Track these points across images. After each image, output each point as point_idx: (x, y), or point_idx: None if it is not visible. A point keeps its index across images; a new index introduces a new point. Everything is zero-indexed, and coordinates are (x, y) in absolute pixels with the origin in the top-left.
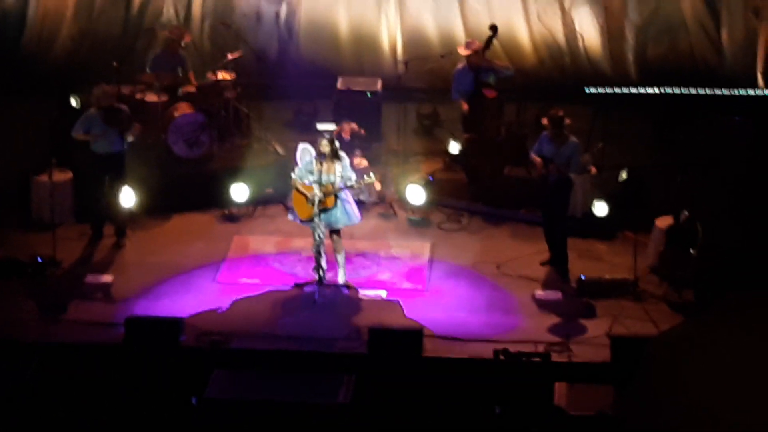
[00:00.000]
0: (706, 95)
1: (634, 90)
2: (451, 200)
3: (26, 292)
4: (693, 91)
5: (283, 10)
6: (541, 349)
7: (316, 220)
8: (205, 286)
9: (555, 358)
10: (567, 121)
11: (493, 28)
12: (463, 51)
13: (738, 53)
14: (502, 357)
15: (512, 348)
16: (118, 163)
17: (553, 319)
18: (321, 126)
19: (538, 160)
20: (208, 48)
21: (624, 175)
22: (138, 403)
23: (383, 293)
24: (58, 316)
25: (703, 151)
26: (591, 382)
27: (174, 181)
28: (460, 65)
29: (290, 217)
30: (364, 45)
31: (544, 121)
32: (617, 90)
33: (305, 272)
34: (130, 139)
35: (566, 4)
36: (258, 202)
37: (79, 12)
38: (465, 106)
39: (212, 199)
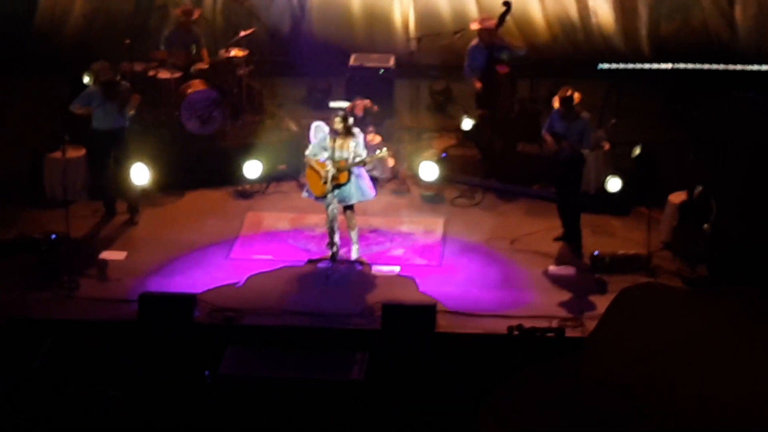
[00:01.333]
0: (719, 71)
1: (647, 66)
2: (465, 176)
3: (40, 270)
4: (706, 66)
5: None
6: (554, 324)
7: (330, 196)
8: (219, 262)
9: (569, 333)
10: (577, 97)
11: (507, 5)
12: (474, 25)
13: (751, 29)
14: (515, 333)
15: (526, 324)
16: (121, 138)
17: (567, 295)
18: (334, 104)
19: (549, 138)
20: (220, 25)
21: (637, 150)
22: (152, 379)
23: (397, 269)
24: (71, 293)
25: (716, 127)
26: None
27: (187, 158)
28: (473, 42)
29: (304, 194)
30: (377, 22)
31: (555, 102)
32: (630, 66)
33: (318, 248)
34: (131, 112)
35: None
36: (271, 178)
37: None
38: (478, 84)
39: (225, 175)
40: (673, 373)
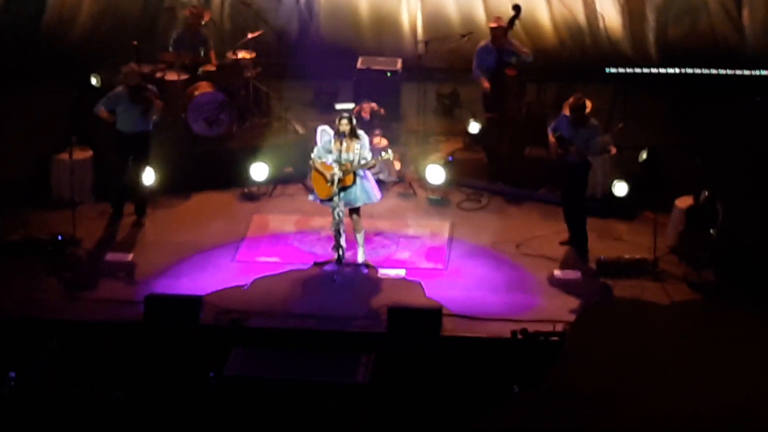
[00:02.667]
0: (726, 75)
1: (654, 70)
2: (471, 180)
3: (47, 271)
4: (713, 71)
5: None
6: (559, 328)
7: (336, 199)
8: (225, 264)
9: None
10: (588, 105)
11: (516, 8)
12: (493, 24)
13: (759, 33)
14: (520, 336)
15: (530, 327)
16: (143, 142)
17: (572, 299)
18: (339, 106)
19: (553, 141)
20: (228, 27)
21: (644, 155)
22: (157, 381)
23: (402, 272)
24: (78, 294)
25: (723, 131)
26: None
27: (194, 160)
28: (483, 42)
29: (311, 197)
30: (385, 24)
31: (565, 109)
32: (638, 70)
33: (324, 251)
34: (154, 117)
35: None
36: (277, 181)
37: None
38: (486, 85)
39: (232, 178)
40: (645, 379)
